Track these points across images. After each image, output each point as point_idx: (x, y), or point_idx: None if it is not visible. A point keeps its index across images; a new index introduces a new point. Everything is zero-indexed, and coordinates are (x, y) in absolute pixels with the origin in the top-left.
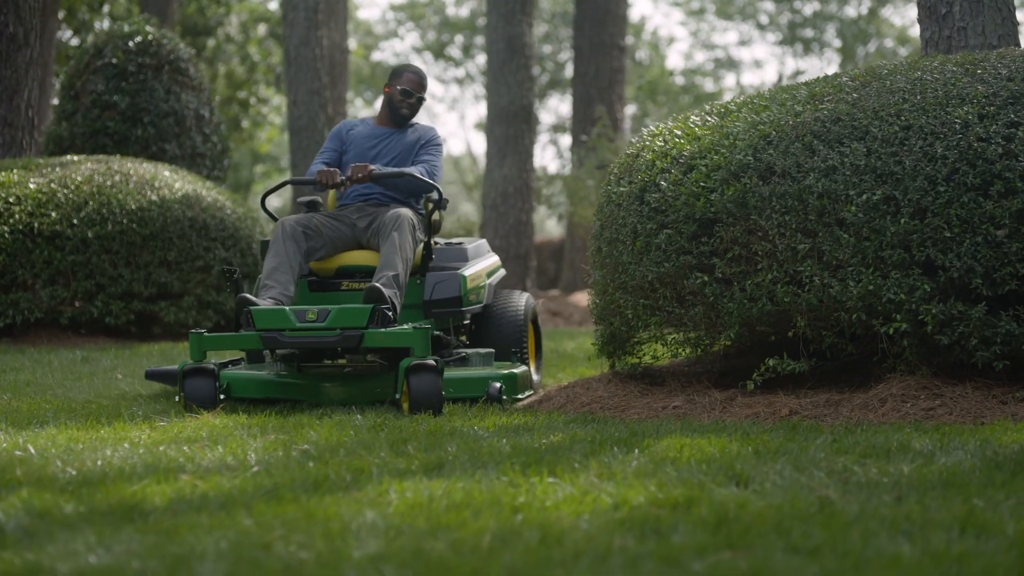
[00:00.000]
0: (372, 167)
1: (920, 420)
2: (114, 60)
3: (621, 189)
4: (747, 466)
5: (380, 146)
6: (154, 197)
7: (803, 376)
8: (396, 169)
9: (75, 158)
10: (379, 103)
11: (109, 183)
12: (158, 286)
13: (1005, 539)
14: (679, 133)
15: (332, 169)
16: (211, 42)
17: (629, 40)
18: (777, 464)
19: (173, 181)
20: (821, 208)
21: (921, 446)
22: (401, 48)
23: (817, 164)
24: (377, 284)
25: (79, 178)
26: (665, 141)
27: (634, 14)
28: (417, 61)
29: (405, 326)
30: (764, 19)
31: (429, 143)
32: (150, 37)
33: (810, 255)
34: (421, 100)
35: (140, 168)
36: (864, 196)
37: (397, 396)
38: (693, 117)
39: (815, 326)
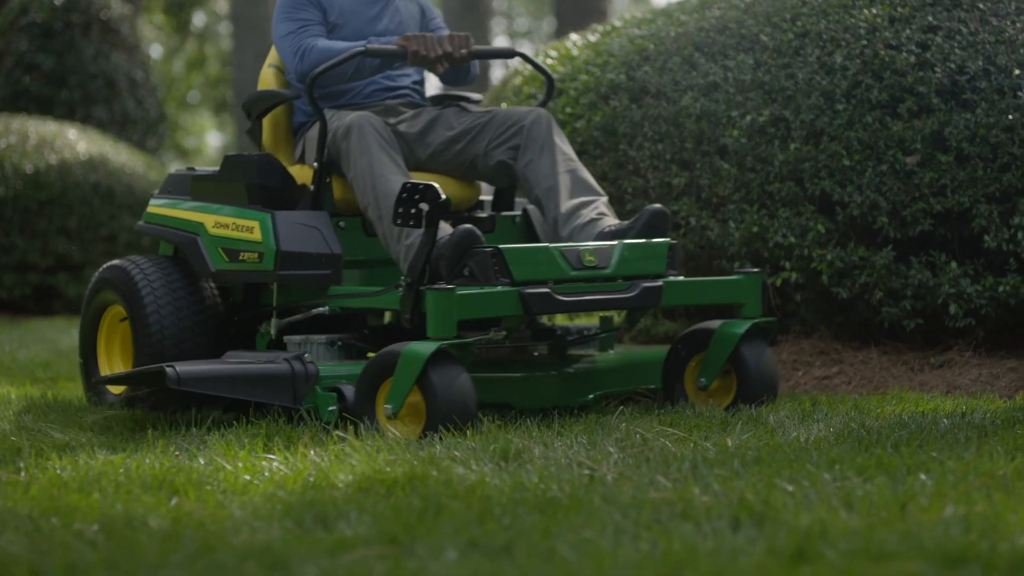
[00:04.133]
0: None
1: (809, 391)
2: (39, 18)
3: None
4: (532, 438)
5: (386, 16)
6: (53, 160)
7: None
8: (499, 47)
9: None
10: None
11: (3, 144)
12: (57, 257)
13: (778, 533)
14: (553, 53)
15: (426, 34)
16: (200, 19)
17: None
18: (571, 435)
19: (77, 142)
20: (699, 133)
21: (776, 418)
22: None
23: (696, 81)
24: (661, 207)
25: None
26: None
27: None
28: None
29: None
30: None
31: (436, 17)
32: None
33: (687, 191)
34: None
35: (42, 128)
36: (748, 117)
37: (703, 382)
38: (574, 36)
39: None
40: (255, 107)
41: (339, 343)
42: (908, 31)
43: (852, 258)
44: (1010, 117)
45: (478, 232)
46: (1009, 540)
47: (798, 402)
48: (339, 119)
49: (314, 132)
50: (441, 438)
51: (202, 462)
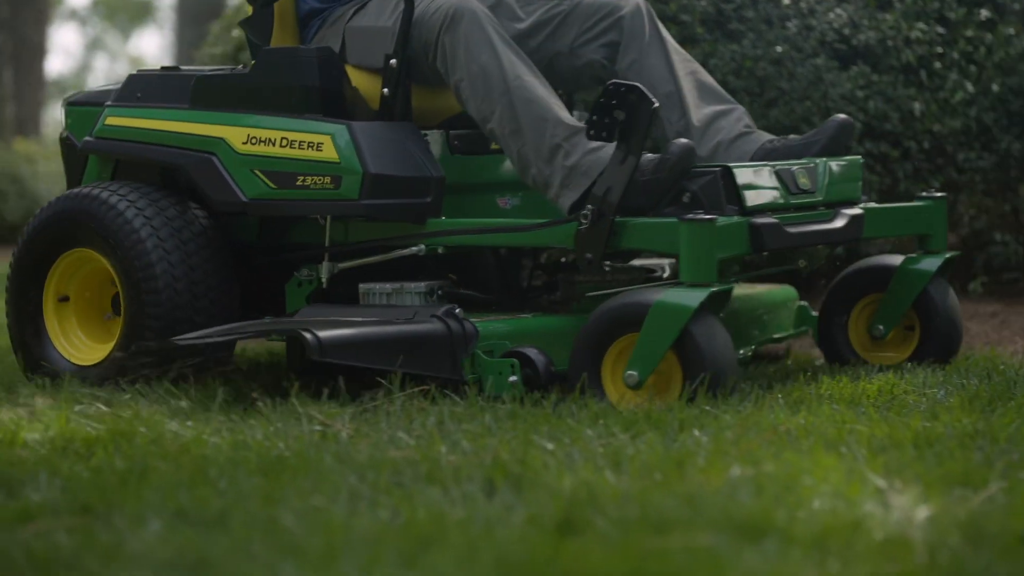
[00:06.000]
0: None
1: None
2: None
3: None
4: (258, 389)
5: None
6: None
7: None
8: None
9: None
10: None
11: None
12: None
13: (539, 499)
14: None
15: None
16: None
17: None
18: (303, 386)
19: None
20: None
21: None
22: None
23: None
24: (848, 117)
25: None
26: None
27: None
28: None
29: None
30: None
31: None
32: None
33: None
34: None
35: None
36: None
37: (880, 330)
38: None
39: None
40: None
41: (439, 292)
42: None
43: None
44: (778, 49)
45: (690, 146)
46: (807, 507)
47: None
48: (428, 4)
49: (366, 23)
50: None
51: None
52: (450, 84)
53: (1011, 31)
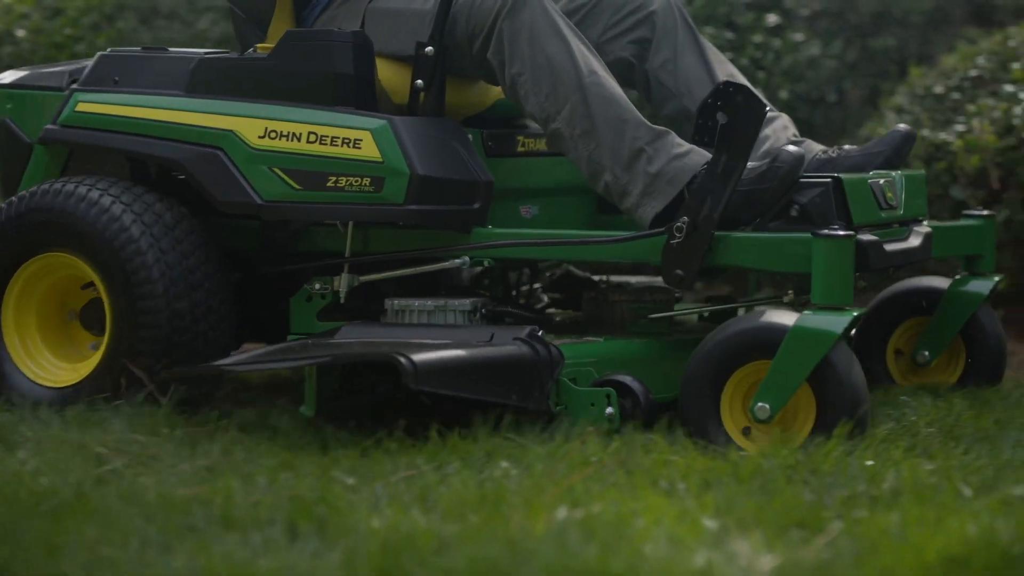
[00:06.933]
0: None
1: None
2: None
3: None
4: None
5: None
6: None
7: None
8: None
9: None
10: None
11: None
12: None
13: (348, 544)
14: None
15: None
16: None
17: None
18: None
19: None
20: None
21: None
22: None
23: (216, 1)
24: (911, 128)
25: None
26: None
27: None
28: None
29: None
30: None
31: None
32: None
33: None
34: None
35: None
36: None
37: (926, 356)
38: None
39: None
40: None
41: (483, 310)
42: None
43: None
44: None
45: (801, 153)
46: (643, 555)
47: None
48: None
49: (394, 5)
50: None
51: None
52: (503, 77)
53: (799, 37)
